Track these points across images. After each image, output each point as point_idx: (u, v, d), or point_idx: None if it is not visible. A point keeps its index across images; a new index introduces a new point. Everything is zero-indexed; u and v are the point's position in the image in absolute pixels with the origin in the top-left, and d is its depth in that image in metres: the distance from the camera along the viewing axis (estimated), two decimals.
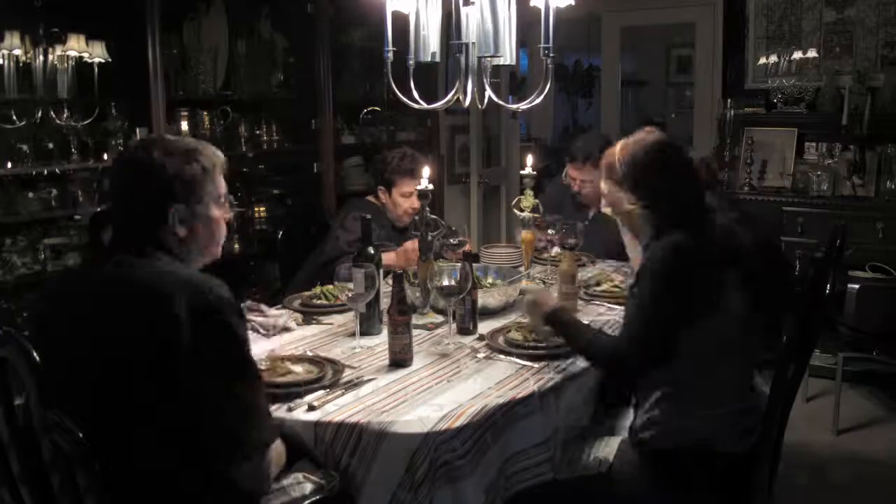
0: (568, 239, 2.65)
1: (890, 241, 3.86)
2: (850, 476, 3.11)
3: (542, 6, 1.95)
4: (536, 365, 1.98)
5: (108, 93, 3.13)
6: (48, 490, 1.39)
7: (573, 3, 1.99)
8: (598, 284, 2.72)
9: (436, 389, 1.84)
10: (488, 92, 2.08)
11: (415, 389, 1.84)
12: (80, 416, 1.31)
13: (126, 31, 3.09)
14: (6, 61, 2.89)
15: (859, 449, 3.31)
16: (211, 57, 3.60)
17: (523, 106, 2.21)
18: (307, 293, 2.60)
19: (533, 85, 2.97)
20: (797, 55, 4.51)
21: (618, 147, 1.97)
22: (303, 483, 1.63)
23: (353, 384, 1.86)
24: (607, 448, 1.96)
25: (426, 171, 2.36)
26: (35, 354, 1.29)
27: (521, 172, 2.91)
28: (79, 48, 3.01)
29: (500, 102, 2.18)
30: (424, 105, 2.15)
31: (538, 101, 2.10)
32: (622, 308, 2.50)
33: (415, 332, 2.11)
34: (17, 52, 2.90)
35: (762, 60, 4.66)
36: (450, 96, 2.11)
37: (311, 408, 1.72)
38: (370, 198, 3.21)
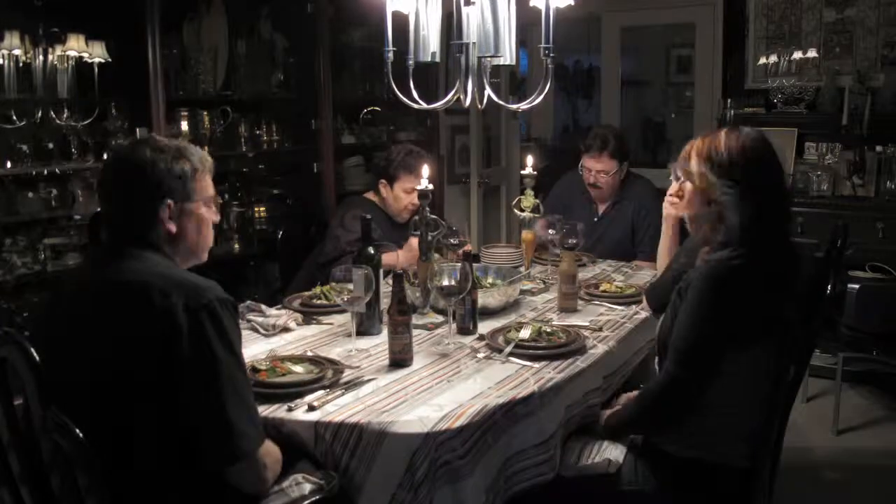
0: (568, 239, 2.65)
1: (890, 241, 3.86)
2: (850, 476, 3.12)
3: (542, 6, 1.94)
4: (536, 365, 1.98)
5: (108, 93, 3.13)
6: (48, 490, 1.39)
7: (573, 3, 1.99)
8: (597, 285, 2.72)
9: (436, 389, 1.84)
10: (488, 92, 2.08)
11: (415, 389, 1.84)
12: (80, 417, 1.31)
13: (126, 31, 3.08)
14: (6, 61, 2.89)
15: (859, 449, 3.31)
16: (211, 57, 3.60)
17: (523, 106, 2.21)
18: (307, 293, 2.60)
19: (533, 85, 2.98)
20: (797, 55, 4.51)
21: (722, 134, 1.86)
22: (302, 484, 1.62)
23: (353, 384, 1.86)
24: (616, 450, 1.95)
25: (426, 171, 2.36)
26: (35, 354, 1.29)
27: (521, 172, 2.91)
28: (79, 48, 3.01)
29: (500, 102, 2.18)
30: (424, 105, 2.15)
31: (538, 101, 2.09)
32: (622, 308, 2.51)
33: (415, 332, 2.11)
34: (17, 52, 2.89)
35: (762, 60, 4.66)
36: (450, 96, 2.11)
37: (311, 408, 1.72)
38: (368, 195, 3.21)
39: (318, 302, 2.51)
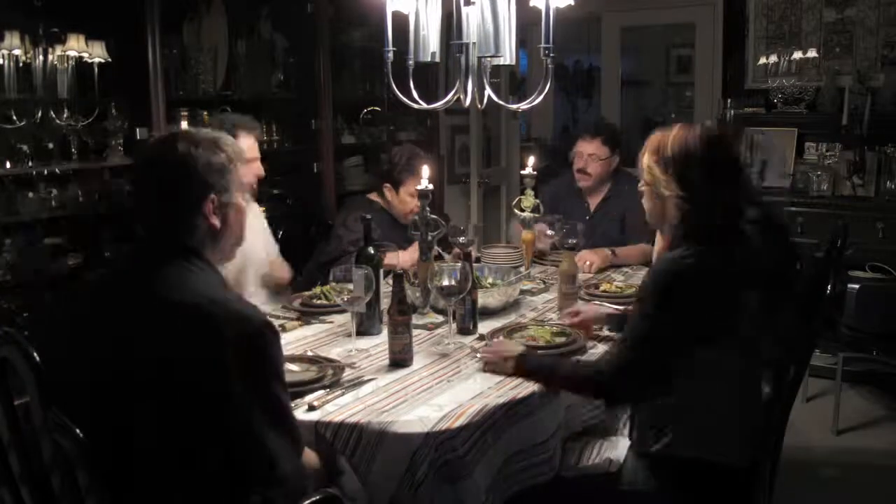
0: (568, 239, 2.65)
1: (890, 241, 3.86)
2: (850, 476, 3.12)
3: (542, 6, 1.94)
4: None
5: (108, 93, 3.13)
6: (48, 490, 1.39)
7: (573, 3, 1.99)
8: (597, 286, 2.72)
9: (436, 389, 1.84)
10: (488, 92, 2.08)
11: (415, 389, 1.84)
12: (86, 420, 1.30)
13: (126, 31, 3.09)
14: (6, 61, 2.89)
15: (859, 449, 3.31)
16: (211, 57, 3.60)
17: (523, 106, 2.21)
18: (307, 293, 2.60)
19: (533, 85, 2.97)
20: (797, 55, 4.51)
21: (675, 129, 1.84)
22: None
23: (354, 384, 1.86)
24: (616, 450, 1.95)
25: (426, 171, 2.36)
26: (35, 354, 1.29)
27: (521, 172, 2.91)
28: (79, 48, 3.01)
29: (500, 102, 2.18)
30: (424, 105, 2.15)
31: (538, 101, 2.09)
32: (622, 308, 2.51)
33: (415, 332, 2.11)
34: (17, 51, 2.90)
35: (762, 60, 4.66)
36: (450, 96, 2.11)
37: (311, 408, 1.72)
38: (372, 195, 3.20)
39: (318, 302, 2.51)
